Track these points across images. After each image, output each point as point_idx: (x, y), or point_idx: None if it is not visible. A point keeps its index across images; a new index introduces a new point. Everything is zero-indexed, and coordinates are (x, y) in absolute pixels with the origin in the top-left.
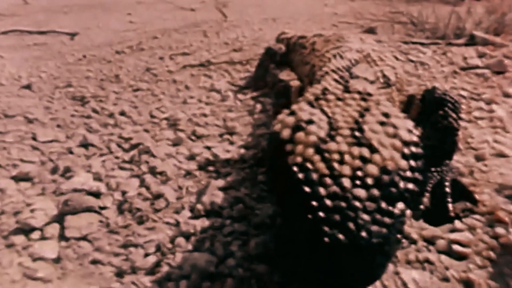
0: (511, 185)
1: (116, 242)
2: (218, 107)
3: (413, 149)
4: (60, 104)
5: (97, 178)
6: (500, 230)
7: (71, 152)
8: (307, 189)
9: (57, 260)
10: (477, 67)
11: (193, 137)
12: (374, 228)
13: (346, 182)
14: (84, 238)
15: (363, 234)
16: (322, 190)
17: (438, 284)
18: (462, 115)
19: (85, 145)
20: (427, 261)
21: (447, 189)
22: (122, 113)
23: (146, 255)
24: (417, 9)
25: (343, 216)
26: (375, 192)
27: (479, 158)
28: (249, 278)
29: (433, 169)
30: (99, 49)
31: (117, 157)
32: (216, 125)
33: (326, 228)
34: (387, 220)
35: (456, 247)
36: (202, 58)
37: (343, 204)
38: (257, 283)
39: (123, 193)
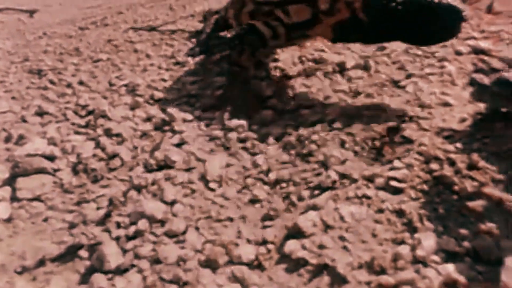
0: (450, 127)
1: (70, 201)
2: (178, 72)
3: None
4: (15, 78)
5: (52, 143)
6: (434, 165)
7: (25, 121)
8: None
9: (8, 220)
10: None
11: (151, 101)
12: None
13: None
14: (37, 198)
15: None
16: None
17: (373, 216)
18: (415, 72)
19: (40, 113)
20: (365, 196)
21: None
22: (81, 83)
23: (98, 208)
24: None
25: None
26: None
27: (424, 107)
28: (197, 220)
29: None
30: (60, 26)
31: (73, 123)
32: (175, 88)
33: None
34: None
35: (393, 182)
36: (166, 29)
37: None
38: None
39: (78, 155)
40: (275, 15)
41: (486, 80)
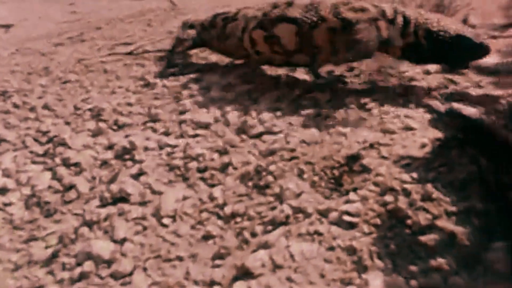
0: (409, 155)
1: (19, 238)
2: (145, 95)
3: None
4: None
5: (6, 174)
6: (389, 198)
7: None
8: None
9: None
10: None
11: (114, 127)
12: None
13: None
14: None
15: None
16: None
17: (323, 254)
18: (382, 93)
19: None
20: (317, 232)
21: None
22: (46, 107)
23: (47, 247)
24: None
25: None
26: None
27: (386, 132)
28: (145, 260)
29: None
30: (35, 41)
31: (31, 152)
32: (140, 113)
33: None
34: None
35: (346, 217)
36: (140, 47)
37: None
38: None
39: (33, 187)
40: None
41: (441, 107)
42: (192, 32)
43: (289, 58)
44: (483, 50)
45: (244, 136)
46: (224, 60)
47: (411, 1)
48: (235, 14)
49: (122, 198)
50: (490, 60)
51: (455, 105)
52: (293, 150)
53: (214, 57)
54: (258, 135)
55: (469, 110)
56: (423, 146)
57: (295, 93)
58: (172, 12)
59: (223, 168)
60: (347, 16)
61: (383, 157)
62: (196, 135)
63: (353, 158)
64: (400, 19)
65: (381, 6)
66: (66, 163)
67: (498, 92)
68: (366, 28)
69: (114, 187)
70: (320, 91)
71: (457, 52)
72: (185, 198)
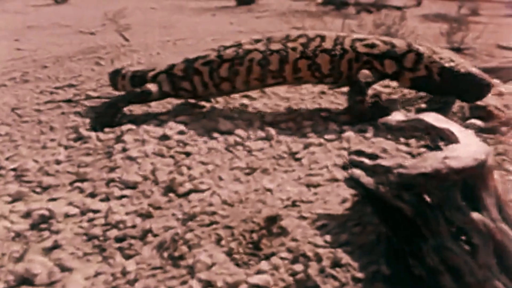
0: (328, 213)
1: None
2: (77, 150)
3: None
4: None
5: None
6: (299, 267)
7: None
8: None
9: None
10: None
11: (38, 189)
12: None
13: None
14: None
15: None
16: None
17: None
18: (314, 140)
19: None
20: None
21: None
22: None
23: None
24: (311, 24)
25: None
26: None
27: (311, 186)
28: None
29: None
30: None
31: None
32: (68, 172)
33: None
34: None
35: None
36: (83, 92)
37: None
38: None
39: None
40: (371, 65)
41: (348, 169)
42: (153, 88)
43: (321, 80)
44: (488, 88)
45: (171, 195)
46: (166, 105)
47: (361, 30)
48: (218, 57)
49: (27, 280)
50: (395, 117)
51: (356, 172)
52: (214, 214)
53: (153, 104)
54: (186, 194)
55: (366, 179)
56: (344, 201)
57: (229, 143)
58: (123, 48)
59: (143, 236)
60: (360, 50)
61: (302, 217)
62: (122, 197)
63: (273, 220)
64: (411, 56)
65: (392, 43)
66: None
67: (389, 163)
68: (371, 61)
69: (20, 266)
70: (253, 140)
71: (466, 88)
72: (97, 274)
